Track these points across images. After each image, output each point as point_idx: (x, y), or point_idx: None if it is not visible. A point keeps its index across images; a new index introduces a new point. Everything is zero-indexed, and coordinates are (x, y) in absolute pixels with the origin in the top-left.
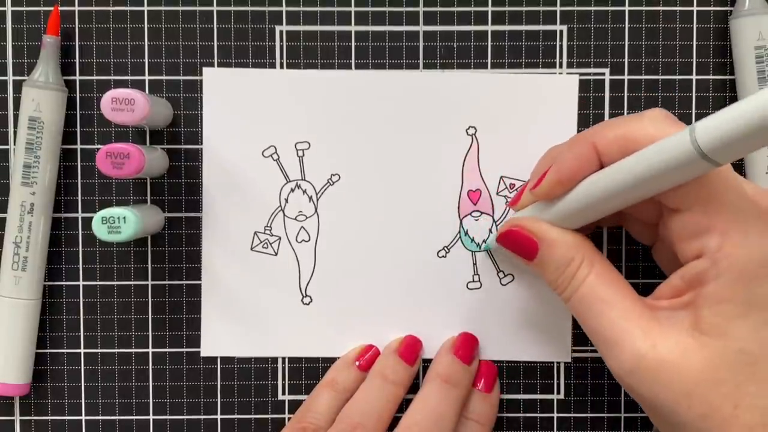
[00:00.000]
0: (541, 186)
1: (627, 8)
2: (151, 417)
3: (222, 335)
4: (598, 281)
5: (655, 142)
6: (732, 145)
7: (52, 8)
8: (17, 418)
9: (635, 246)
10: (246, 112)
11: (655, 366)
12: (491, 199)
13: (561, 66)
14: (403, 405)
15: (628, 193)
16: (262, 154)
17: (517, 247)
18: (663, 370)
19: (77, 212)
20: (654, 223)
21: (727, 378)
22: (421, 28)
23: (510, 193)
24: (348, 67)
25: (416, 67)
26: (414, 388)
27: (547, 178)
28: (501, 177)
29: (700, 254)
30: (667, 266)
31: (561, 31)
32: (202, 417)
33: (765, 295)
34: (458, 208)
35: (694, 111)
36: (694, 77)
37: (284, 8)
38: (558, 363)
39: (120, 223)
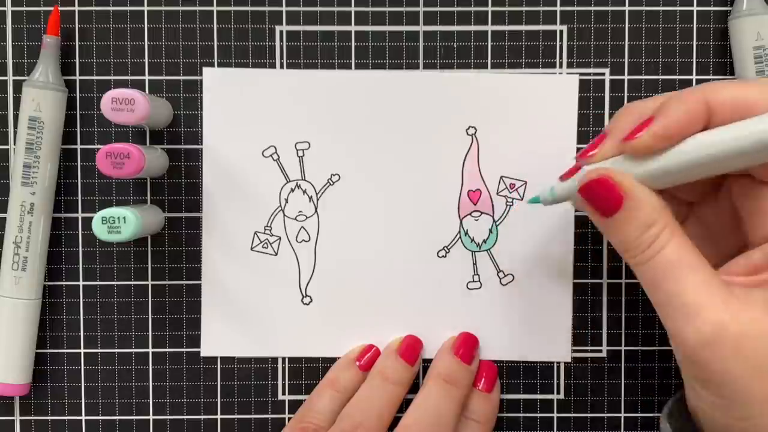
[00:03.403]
0: (642, 138)
1: (627, 8)
2: (151, 417)
3: (222, 335)
4: (682, 247)
5: None
6: None
7: (52, 8)
8: (17, 418)
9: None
10: (246, 112)
11: (736, 337)
12: (491, 199)
13: (561, 66)
14: (404, 405)
15: (736, 159)
16: (262, 154)
17: (600, 199)
18: (742, 343)
19: (77, 212)
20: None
21: None
22: (421, 28)
23: (510, 192)
24: (348, 67)
25: (416, 67)
26: (414, 387)
27: (651, 130)
28: (501, 177)
29: None
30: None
31: (561, 31)
32: (202, 417)
33: None
34: (458, 208)
35: None
36: (694, 77)
37: (284, 8)
38: (558, 363)
39: (120, 223)
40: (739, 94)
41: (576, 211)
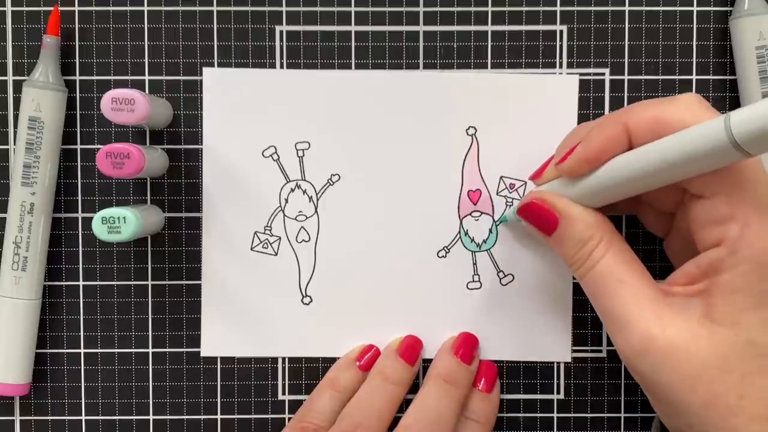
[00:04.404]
0: (567, 162)
1: (627, 8)
2: (151, 417)
3: (222, 335)
4: (614, 261)
5: (688, 128)
6: (766, 138)
7: (52, 8)
8: (17, 418)
9: (635, 246)
10: (246, 112)
11: (663, 349)
12: (491, 199)
13: (561, 66)
14: (404, 405)
15: (656, 175)
16: (262, 154)
17: (537, 219)
18: (671, 354)
19: (77, 212)
20: (670, 212)
21: (734, 367)
22: (421, 28)
23: (510, 192)
24: (348, 67)
25: (416, 67)
26: (414, 387)
27: (575, 155)
28: (501, 177)
29: (719, 242)
30: (678, 259)
31: (561, 31)
32: (202, 417)
33: None
34: (458, 208)
35: None
36: (694, 77)
37: (284, 8)
38: (558, 363)
39: (120, 223)
40: (655, 115)
41: None
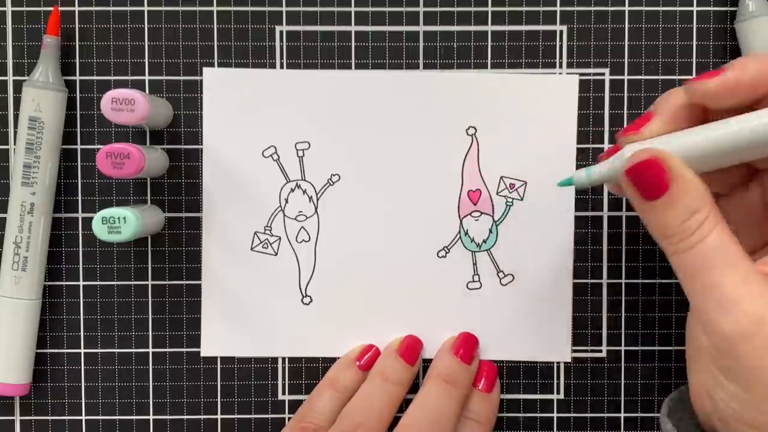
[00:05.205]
0: (711, 83)
1: (627, 8)
2: (151, 417)
3: (222, 335)
4: (725, 236)
5: None
6: None
7: (52, 8)
8: (17, 418)
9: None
10: (246, 112)
11: None
12: (491, 199)
13: (561, 66)
14: (404, 405)
15: None
16: (262, 154)
17: (647, 182)
18: None
19: (77, 212)
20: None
21: None
22: (421, 28)
23: (510, 192)
24: (348, 67)
25: (416, 67)
26: (414, 387)
27: (723, 77)
28: (501, 177)
29: None
30: (744, 220)
31: (561, 31)
32: (202, 417)
33: None
34: (458, 208)
35: None
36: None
37: (284, 8)
38: (558, 363)
39: (120, 223)
40: None
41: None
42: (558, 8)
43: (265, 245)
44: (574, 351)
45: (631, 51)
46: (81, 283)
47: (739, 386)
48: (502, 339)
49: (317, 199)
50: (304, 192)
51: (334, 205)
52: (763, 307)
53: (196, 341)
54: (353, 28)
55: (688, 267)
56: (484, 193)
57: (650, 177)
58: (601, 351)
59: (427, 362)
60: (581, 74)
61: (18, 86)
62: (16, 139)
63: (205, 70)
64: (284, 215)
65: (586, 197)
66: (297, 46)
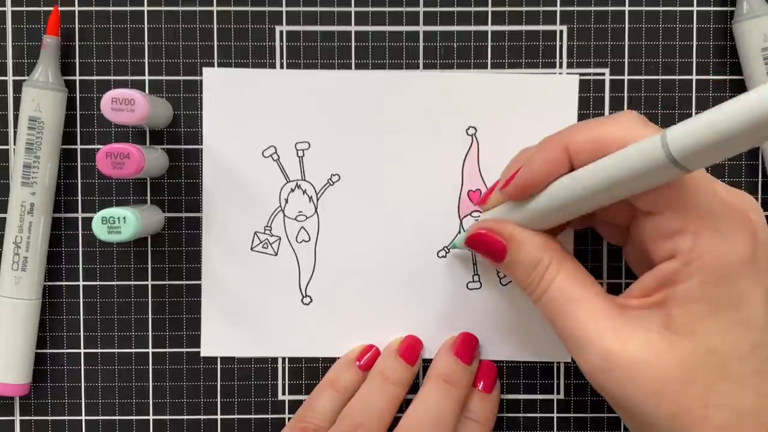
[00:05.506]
0: (510, 187)
1: (627, 8)
2: (151, 417)
3: (222, 335)
4: (566, 281)
5: (627, 147)
6: (703, 153)
7: (52, 8)
8: (17, 418)
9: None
10: (246, 112)
11: (625, 365)
12: None
13: (561, 66)
14: (404, 405)
15: (599, 196)
16: (262, 154)
17: (485, 249)
18: (633, 369)
19: (77, 212)
20: (625, 225)
21: (696, 378)
22: (421, 28)
23: None
24: (348, 67)
25: (416, 67)
26: (414, 387)
27: (516, 179)
28: None
29: (672, 255)
30: (638, 266)
31: (561, 31)
32: (202, 417)
33: (735, 295)
34: (458, 208)
35: (694, 111)
36: (694, 77)
37: (284, 8)
38: (558, 363)
39: (120, 223)
40: (593, 136)
41: None
42: (558, 8)
43: (265, 245)
44: None
45: (631, 51)
46: (81, 283)
47: (623, 416)
48: (502, 339)
49: (317, 199)
50: (304, 192)
51: (334, 205)
52: (612, 341)
53: (196, 341)
54: (353, 28)
55: (546, 314)
56: (484, 193)
57: (486, 244)
58: None
59: (427, 362)
60: (581, 74)
61: (18, 86)
62: (16, 139)
63: (205, 70)
64: (284, 215)
65: None
66: (297, 46)
